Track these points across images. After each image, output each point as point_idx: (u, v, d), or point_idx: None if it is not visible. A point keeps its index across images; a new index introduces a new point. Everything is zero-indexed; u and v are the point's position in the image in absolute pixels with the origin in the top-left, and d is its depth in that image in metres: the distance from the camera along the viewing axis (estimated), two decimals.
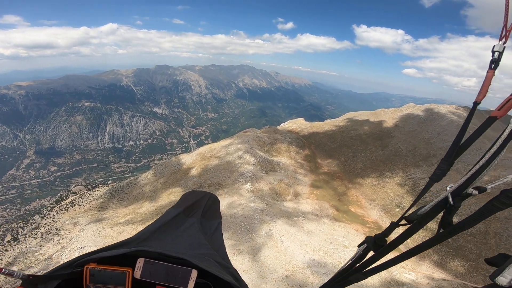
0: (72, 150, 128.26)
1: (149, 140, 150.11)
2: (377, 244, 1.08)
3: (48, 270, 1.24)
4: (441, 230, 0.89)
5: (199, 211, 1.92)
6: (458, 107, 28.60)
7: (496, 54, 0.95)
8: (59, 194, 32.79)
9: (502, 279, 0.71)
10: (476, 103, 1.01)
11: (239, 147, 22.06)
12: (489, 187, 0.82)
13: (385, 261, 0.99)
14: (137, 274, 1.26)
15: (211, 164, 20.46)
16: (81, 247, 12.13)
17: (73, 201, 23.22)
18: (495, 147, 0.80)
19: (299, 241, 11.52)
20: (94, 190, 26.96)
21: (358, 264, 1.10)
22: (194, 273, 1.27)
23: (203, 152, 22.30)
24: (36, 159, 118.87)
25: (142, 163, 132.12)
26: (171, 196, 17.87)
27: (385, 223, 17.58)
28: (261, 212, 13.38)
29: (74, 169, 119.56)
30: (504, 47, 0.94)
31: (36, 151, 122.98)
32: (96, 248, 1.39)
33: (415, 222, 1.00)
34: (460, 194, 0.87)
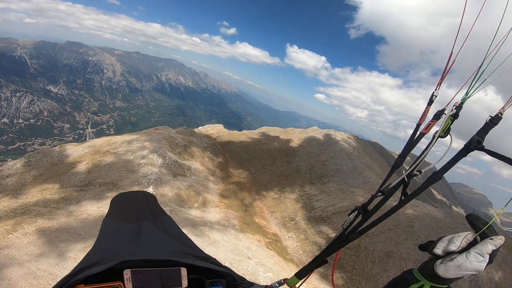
0: None
1: (31, 120, 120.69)
2: (365, 210, 1.45)
3: None
4: (403, 198, 1.29)
5: (145, 213, 1.79)
6: (350, 135, 34.18)
7: (434, 97, 1.42)
8: None
9: (436, 250, 1.08)
10: (418, 125, 1.44)
11: (146, 144, 19.83)
12: (423, 170, 1.29)
13: (369, 223, 1.33)
14: (129, 286, 1.21)
15: (107, 160, 17.51)
16: None
17: None
18: (427, 149, 1.27)
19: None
20: None
21: (351, 227, 1.41)
22: (184, 271, 1.28)
23: (99, 144, 18.89)
24: None
25: (16, 145, 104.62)
26: (45, 192, 14.26)
27: (283, 234, 18.87)
28: None
29: None
30: (438, 93, 1.43)
31: None
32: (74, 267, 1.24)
33: (386, 193, 1.37)
34: (410, 175, 1.28)
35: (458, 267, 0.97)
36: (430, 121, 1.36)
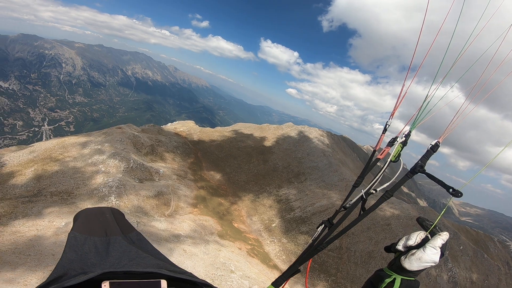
0: None
1: None
2: (330, 223, 1.56)
3: None
4: (361, 213, 1.42)
5: (114, 227, 1.66)
6: (323, 132, 34.23)
7: (387, 126, 1.62)
8: None
9: (398, 247, 1.26)
10: (375, 150, 1.63)
11: (106, 146, 17.67)
12: (378, 189, 1.47)
13: (335, 234, 1.44)
14: None
15: (59, 166, 15.17)
16: None
17: None
18: (381, 171, 1.44)
19: (182, 267, 9.95)
20: None
21: (319, 239, 1.51)
22: (164, 283, 1.23)
23: (50, 148, 16.32)
24: None
25: None
26: None
27: (264, 239, 18.14)
28: None
29: None
30: (391, 121, 1.62)
31: None
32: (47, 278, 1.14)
33: (348, 208, 1.50)
34: (367, 193, 1.46)
35: (419, 259, 1.16)
36: (384, 147, 1.58)
